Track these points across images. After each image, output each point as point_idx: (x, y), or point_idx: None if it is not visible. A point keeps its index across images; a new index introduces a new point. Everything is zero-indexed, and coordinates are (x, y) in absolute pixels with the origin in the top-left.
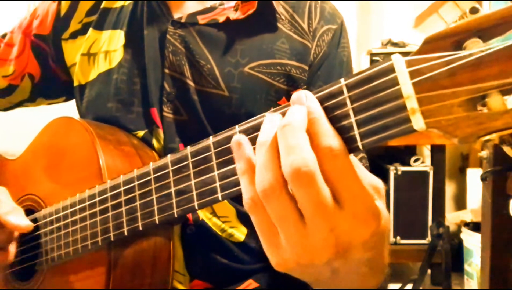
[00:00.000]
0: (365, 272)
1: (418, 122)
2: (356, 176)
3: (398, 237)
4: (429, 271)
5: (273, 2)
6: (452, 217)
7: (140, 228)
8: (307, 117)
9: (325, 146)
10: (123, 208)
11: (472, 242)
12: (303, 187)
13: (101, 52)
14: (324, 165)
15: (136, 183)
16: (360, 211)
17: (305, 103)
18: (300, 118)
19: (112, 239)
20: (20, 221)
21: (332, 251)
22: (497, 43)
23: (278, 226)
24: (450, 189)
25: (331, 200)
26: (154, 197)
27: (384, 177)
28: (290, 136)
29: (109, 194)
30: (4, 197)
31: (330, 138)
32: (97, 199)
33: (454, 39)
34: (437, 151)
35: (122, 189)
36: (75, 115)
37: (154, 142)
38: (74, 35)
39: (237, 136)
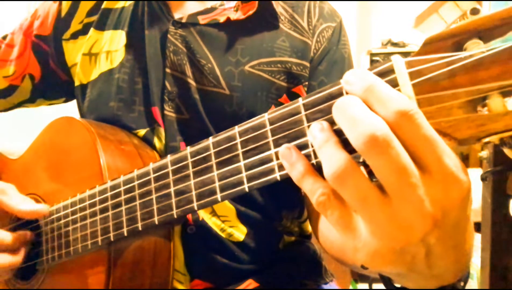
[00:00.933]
0: (460, 244)
1: None
2: (436, 135)
3: None
4: None
5: (273, 2)
6: None
7: (140, 229)
8: (362, 91)
9: (393, 111)
10: (123, 208)
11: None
12: (382, 154)
13: (102, 52)
14: (397, 132)
15: (136, 183)
16: (449, 172)
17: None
18: (349, 96)
19: (112, 239)
20: (34, 206)
21: (429, 222)
22: (497, 44)
23: (361, 210)
24: None
25: (414, 166)
26: (153, 197)
27: None
28: (347, 110)
29: (109, 194)
30: (12, 191)
31: (397, 101)
32: (97, 198)
33: (455, 40)
34: None
35: (122, 188)
36: (76, 115)
37: (156, 140)
38: (75, 35)
39: (283, 147)
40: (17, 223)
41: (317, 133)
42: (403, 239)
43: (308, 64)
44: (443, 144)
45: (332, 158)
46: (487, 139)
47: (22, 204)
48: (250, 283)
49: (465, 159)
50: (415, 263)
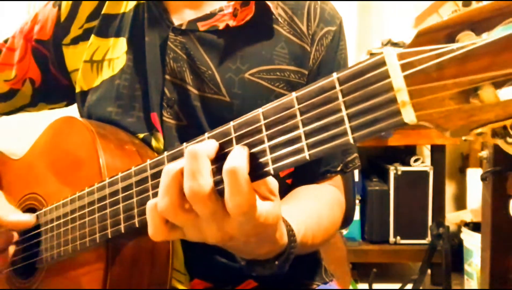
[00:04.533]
0: (252, 249)
1: (409, 115)
2: (243, 196)
3: (398, 237)
4: (429, 271)
5: (272, 4)
6: (452, 217)
7: (137, 225)
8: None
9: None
10: (121, 205)
11: (472, 242)
12: (197, 205)
13: (105, 59)
14: (224, 183)
15: (134, 180)
16: (238, 222)
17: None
18: (205, 148)
19: (109, 236)
20: (21, 217)
21: (219, 240)
22: (489, 36)
23: (185, 226)
24: (450, 189)
25: (221, 211)
26: (150, 193)
27: (384, 177)
28: (194, 161)
29: (107, 192)
30: (1, 200)
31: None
32: (95, 196)
33: (447, 32)
34: (437, 151)
35: (120, 186)
36: (77, 115)
37: (154, 144)
38: (75, 41)
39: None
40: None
41: (163, 176)
42: (205, 239)
43: (306, 72)
44: (244, 203)
45: (164, 198)
46: (479, 130)
47: (10, 215)
48: (250, 282)
49: (465, 159)
50: (232, 248)
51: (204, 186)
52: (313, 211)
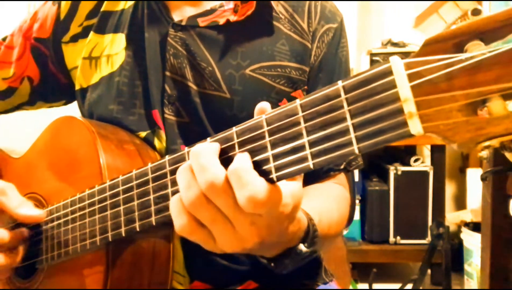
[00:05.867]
0: (276, 245)
1: (415, 126)
2: (252, 186)
3: (398, 237)
4: (429, 271)
5: (273, 1)
6: (452, 217)
7: (138, 229)
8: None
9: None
10: (121, 208)
11: (472, 242)
12: (218, 198)
13: (103, 56)
14: (231, 182)
15: (134, 183)
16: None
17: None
18: (208, 145)
19: (110, 239)
20: (32, 211)
21: (256, 240)
22: (499, 46)
23: (211, 229)
24: (450, 189)
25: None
26: (151, 197)
27: (384, 177)
28: (200, 156)
29: (108, 194)
30: (12, 192)
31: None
32: (96, 198)
33: (455, 41)
34: (437, 151)
35: (120, 188)
36: (78, 115)
37: (156, 142)
38: (74, 39)
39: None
40: (17, 222)
41: (179, 177)
42: (241, 247)
43: (307, 69)
44: (268, 197)
45: (188, 193)
46: (486, 143)
47: (21, 207)
48: (250, 283)
49: (465, 159)
50: (254, 250)
51: (217, 175)
52: (324, 206)
